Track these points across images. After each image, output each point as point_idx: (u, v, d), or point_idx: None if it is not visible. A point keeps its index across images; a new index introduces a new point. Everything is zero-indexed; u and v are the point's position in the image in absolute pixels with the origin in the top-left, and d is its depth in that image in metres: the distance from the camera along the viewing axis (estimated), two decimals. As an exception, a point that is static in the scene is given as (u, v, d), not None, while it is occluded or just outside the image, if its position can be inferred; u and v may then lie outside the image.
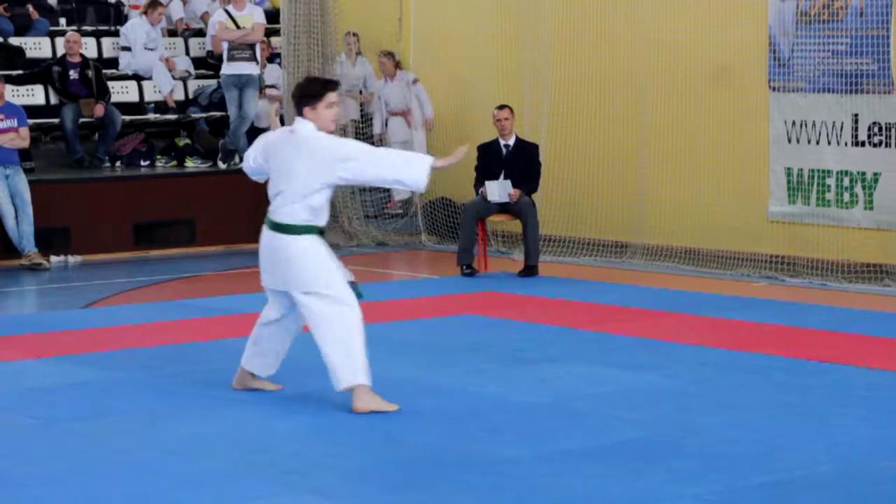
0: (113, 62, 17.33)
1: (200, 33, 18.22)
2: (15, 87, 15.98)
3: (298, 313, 7.96)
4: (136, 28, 17.18)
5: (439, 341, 10.01)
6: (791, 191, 13.38)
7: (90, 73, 16.16)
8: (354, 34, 16.92)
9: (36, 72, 16.40)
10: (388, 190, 16.74)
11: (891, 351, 9.55)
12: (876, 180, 12.78)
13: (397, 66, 16.53)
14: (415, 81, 16.37)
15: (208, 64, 17.52)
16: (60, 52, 16.56)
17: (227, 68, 16.25)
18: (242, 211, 14.74)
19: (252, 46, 16.43)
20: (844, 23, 12.86)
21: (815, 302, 11.76)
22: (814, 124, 13.17)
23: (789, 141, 13.37)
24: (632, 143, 14.48)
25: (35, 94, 16.26)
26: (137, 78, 17.17)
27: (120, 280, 13.53)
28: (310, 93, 7.85)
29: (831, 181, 13.08)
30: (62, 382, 8.72)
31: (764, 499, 6.18)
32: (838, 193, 13.04)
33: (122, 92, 16.94)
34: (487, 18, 15.83)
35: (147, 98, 17.11)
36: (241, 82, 16.14)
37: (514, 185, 13.35)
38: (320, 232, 7.92)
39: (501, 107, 13.66)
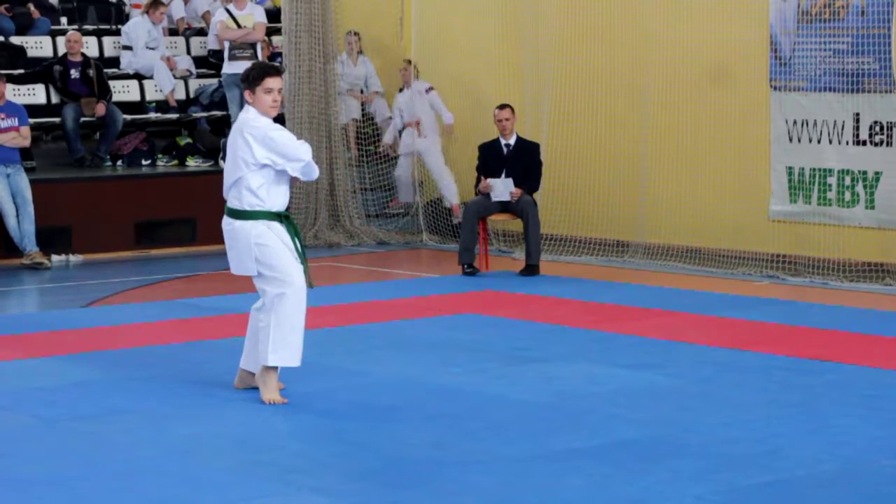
0: (114, 61, 17.33)
1: (202, 32, 18.22)
2: (16, 87, 15.99)
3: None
4: (138, 27, 17.18)
5: (440, 340, 10.01)
6: (792, 190, 13.37)
7: (91, 72, 16.16)
8: (356, 33, 16.92)
9: (37, 71, 16.41)
10: (390, 189, 16.75)
11: (892, 350, 9.55)
12: (877, 179, 12.78)
13: (416, 73, 16.15)
14: (429, 90, 15.95)
15: (209, 63, 17.53)
16: (62, 51, 16.56)
17: (229, 67, 16.25)
18: (243, 210, 14.72)
19: (253, 45, 16.44)
20: (845, 22, 12.86)
21: (816, 301, 11.76)
22: (815, 123, 13.17)
23: (790, 140, 13.36)
24: (633, 142, 14.48)
25: (36, 94, 16.27)
26: (139, 77, 17.18)
27: (121, 279, 13.53)
28: (248, 77, 8.12)
29: (832, 180, 13.08)
30: (63, 382, 8.72)
31: (765, 498, 6.18)
32: (839, 192, 13.04)
33: (124, 91, 16.95)
34: (488, 18, 15.83)
35: (148, 97, 17.11)
36: (242, 79, 16.12)
37: (515, 185, 13.36)
38: (276, 217, 8.01)
39: (502, 106, 13.66)
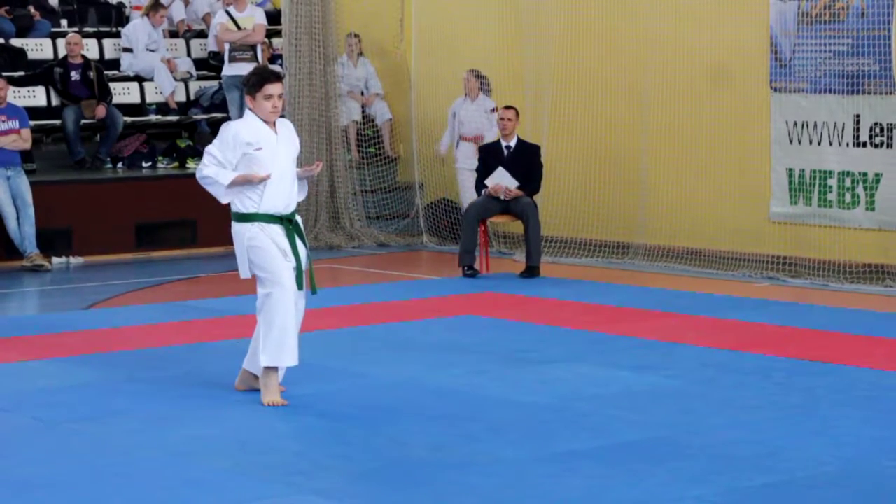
0: (114, 63, 17.33)
1: (202, 34, 18.23)
2: (16, 89, 15.99)
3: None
4: (138, 29, 17.19)
5: (441, 342, 10.01)
6: (792, 191, 13.37)
7: (92, 74, 16.17)
8: (356, 35, 16.92)
9: (37, 73, 16.41)
10: (391, 191, 16.73)
11: (893, 351, 9.55)
12: (877, 181, 12.78)
13: (482, 88, 15.34)
14: (493, 110, 14.98)
15: (210, 65, 17.53)
16: (62, 53, 16.56)
17: (229, 69, 16.26)
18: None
19: (253, 47, 16.45)
20: (846, 23, 12.86)
21: (816, 302, 11.75)
22: (815, 125, 13.17)
23: (791, 141, 13.36)
24: (633, 143, 14.48)
25: (36, 96, 16.27)
26: (139, 79, 17.18)
27: (121, 281, 13.53)
28: (248, 83, 8.18)
29: (833, 182, 13.08)
30: (64, 384, 8.72)
31: (766, 499, 6.18)
32: (840, 194, 13.04)
33: (124, 93, 16.96)
34: (488, 19, 15.83)
35: (148, 99, 17.12)
36: (243, 83, 16.12)
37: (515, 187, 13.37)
38: (276, 219, 8.05)
39: (507, 107, 13.71)
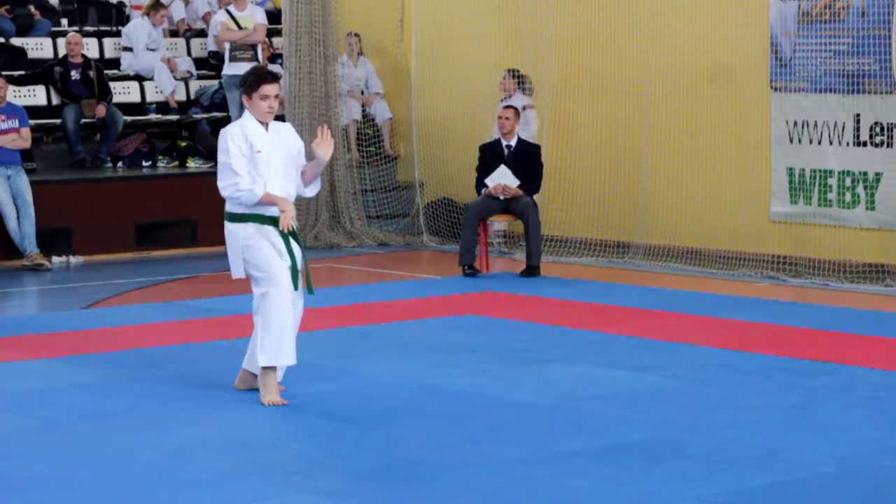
0: (114, 63, 17.33)
1: (202, 34, 18.22)
2: (17, 88, 15.98)
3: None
4: (138, 28, 17.18)
5: (441, 342, 10.01)
6: (793, 191, 13.37)
7: (92, 73, 16.16)
8: (356, 34, 16.92)
9: (37, 72, 16.40)
10: (392, 190, 16.73)
11: (893, 351, 9.55)
12: (878, 180, 12.78)
13: (519, 85, 15.06)
14: (524, 108, 14.78)
15: (210, 64, 17.53)
16: (62, 52, 16.56)
17: (229, 69, 16.25)
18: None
19: (254, 47, 16.44)
20: (846, 23, 12.86)
21: (816, 302, 11.75)
22: (815, 124, 13.17)
23: (791, 141, 13.36)
24: (633, 143, 14.48)
25: (37, 95, 16.27)
26: (139, 78, 17.18)
27: (121, 281, 13.53)
28: (245, 82, 8.21)
29: (833, 181, 13.08)
30: (64, 383, 8.72)
31: (766, 499, 6.18)
32: (840, 194, 13.04)
33: (124, 92, 16.95)
34: (489, 19, 15.82)
35: (149, 98, 17.11)
36: (240, 83, 16.11)
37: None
38: (271, 220, 8.03)
39: (506, 107, 13.71)
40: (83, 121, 16.07)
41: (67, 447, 7.22)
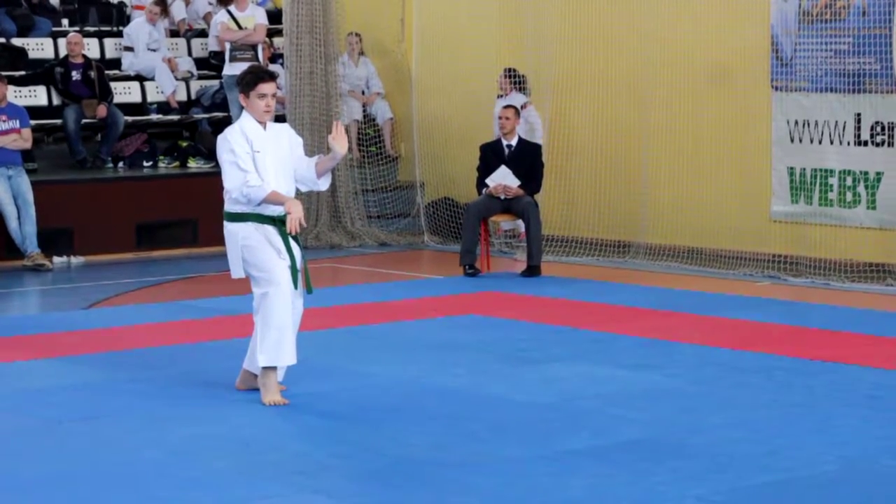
0: (115, 63, 17.33)
1: (203, 34, 18.22)
2: (17, 88, 15.99)
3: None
4: (139, 29, 17.19)
5: (442, 341, 10.01)
6: (794, 190, 13.37)
7: (92, 73, 16.16)
8: (357, 34, 16.92)
9: (38, 72, 16.40)
10: (392, 190, 16.74)
11: (894, 351, 9.54)
12: (878, 180, 12.78)
13: (517, 86, 15.10)
14: (524, 106, 14.85)
15: (211, 64, 17.53)
16: (63, 52, 16.56)
17: (230, 69, 16.24)
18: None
19: (254, 47, 16.44)
20: (847, 22, 12.85)
21: (817, 301, 11.75)
22: (816, 124, 13.16)
23: (792, 140, 13.36)
24: (634, 142, 14.48)
25: (37, 95, 16.27)
26: (140, 78, 17.18)
27: (122, 281, 13.53)
28: (242, 81, 8.16)
29: (834, 181, 13.07)
30: (65, 383, 8.72)
31: (767, 499, 6.18)
32: (841, 193, 13.04)
33: (125, 93, 16.95)
34: (489, 19, 15.83)
35: (150, 99, 17.11)
36: (237, 83, 16.11)
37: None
38: (269, 220, 8.04)
39: (506, 106, 13.72)
40: (84, 121, 16.07)
41: (68, 447, 7.22)
